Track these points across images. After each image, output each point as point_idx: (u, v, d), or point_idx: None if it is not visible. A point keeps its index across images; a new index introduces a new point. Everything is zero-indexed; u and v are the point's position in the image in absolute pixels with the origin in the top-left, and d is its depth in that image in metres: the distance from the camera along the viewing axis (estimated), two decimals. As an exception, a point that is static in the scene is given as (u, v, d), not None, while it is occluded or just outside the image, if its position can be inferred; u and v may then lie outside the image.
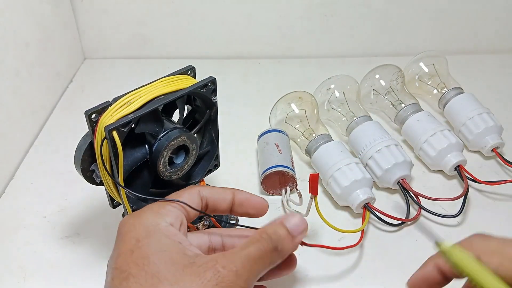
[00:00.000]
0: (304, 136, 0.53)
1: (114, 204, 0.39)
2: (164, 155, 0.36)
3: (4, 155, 0.53)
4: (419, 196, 0.47)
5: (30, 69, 0.59)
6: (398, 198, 0.49)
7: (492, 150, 0.52)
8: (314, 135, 0.52)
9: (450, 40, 0.72)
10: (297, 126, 0.55)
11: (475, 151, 0.55)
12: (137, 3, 0.70)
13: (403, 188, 0.48)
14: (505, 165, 0.52)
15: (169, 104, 0.36)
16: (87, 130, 0.35)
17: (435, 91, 0.59)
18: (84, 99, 0.66)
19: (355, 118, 0.54)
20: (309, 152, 0.52)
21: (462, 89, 0.58)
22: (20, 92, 0.57)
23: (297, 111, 0.56)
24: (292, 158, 0.51)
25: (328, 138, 0.51)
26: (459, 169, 0.49)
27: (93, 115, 0.33)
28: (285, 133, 0.53)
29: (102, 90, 0.67)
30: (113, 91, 0.66)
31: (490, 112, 0.54)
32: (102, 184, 0.37)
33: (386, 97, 0.57)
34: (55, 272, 0.42)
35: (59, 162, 0.54)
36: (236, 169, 0.53)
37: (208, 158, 0.44)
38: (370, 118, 0.54)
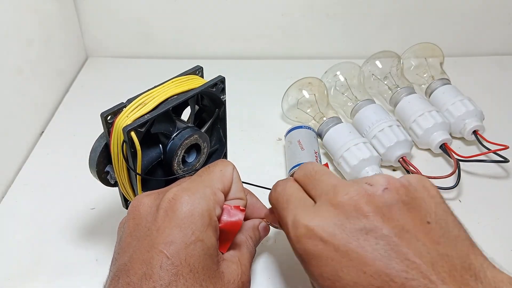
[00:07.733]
0: (315, 120, 0.56)
1: (127, 204, 0.40)
2: (179, 154, 0.37)
3: (7, 154, 0.52)
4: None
5: (32, 67, 0.59)
6: (400, 175, 0.50)
7: (474, 132, 0.54)
8: (324, 118, 0.55)
9: (450, 41, 0.73)
10: (308, 110, 0.57)
11: (458, 138, 0.56)
12: (140, 1, 0.70)
13: (405, 164, 0.50)
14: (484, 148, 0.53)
15: (177, 104, 0.37)
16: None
17: (424, 80, 0.61)
18: (88, 98, 0.66)
19: (359, 101, 0.56)
20: (320, 135, 0.54)
21: (449, 80, 0.59)
22: (23, 90, 0.56)
23: (307, 96, 0.58)
24: (316, 152, 0.51)
25: (337, 120, 0.54)
26: (444, 146, 0.52)
27: (109, 117, 0.34)
28: (309, 127, 0.54)
29: (105, 89, 0.67)
30: (116, 89, 0.67)
31: (471, 99, 0.55)
32: (116, 185, 0.38)
33: (385, 82, 0.60)
34: (60, 275, 0.41)
35: (64, 161, 0.54)
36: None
37: (216, 157, 0.44)
38: (373, 101, 0.57)
